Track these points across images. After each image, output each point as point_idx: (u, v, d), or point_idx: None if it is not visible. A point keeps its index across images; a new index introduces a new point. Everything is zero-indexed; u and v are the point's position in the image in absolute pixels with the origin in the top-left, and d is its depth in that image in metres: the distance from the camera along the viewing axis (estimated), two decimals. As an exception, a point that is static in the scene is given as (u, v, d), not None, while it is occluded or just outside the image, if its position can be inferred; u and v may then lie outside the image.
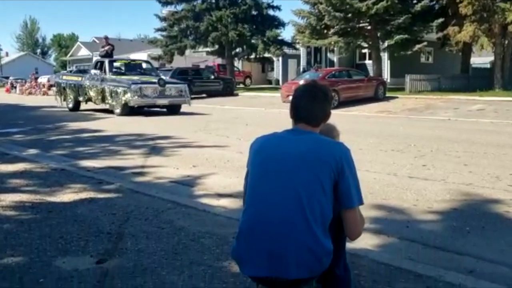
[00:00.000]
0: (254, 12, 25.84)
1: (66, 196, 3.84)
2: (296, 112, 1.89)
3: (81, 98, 13.84)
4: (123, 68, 13.81)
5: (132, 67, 14.22)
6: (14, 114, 14.07)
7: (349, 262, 2.32)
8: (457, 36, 18.73)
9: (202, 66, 27.60)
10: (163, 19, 27.15)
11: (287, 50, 26.83)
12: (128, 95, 11.80)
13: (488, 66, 24.88)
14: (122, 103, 12.00)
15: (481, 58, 25.66)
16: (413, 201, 3.86)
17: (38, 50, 69.72)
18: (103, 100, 12.74)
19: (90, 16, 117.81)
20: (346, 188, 1.77)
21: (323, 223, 1.76)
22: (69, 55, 56.36)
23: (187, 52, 28.26)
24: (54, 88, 15.75)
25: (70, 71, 47.90)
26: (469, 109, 13.78)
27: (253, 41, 25.22)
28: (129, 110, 12.12)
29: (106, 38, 15.28)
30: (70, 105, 14.36)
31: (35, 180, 4.42)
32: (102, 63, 13.59)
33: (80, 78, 13.90)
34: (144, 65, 14.96)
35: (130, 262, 2.47)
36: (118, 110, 12.28)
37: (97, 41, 54.91)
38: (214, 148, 6.79)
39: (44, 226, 3.05)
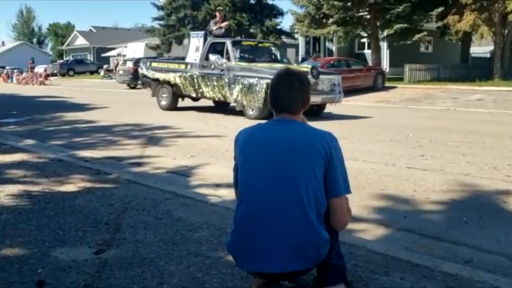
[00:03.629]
0: (252, 1, 25.66)
1: (64, 186, 3.83)
2: (276, 103, 1.87)
3: (188, 94, 10.42)
4: (248, 52, 10.09)
5: (261, 52, 10.47)
6: (10, 104, 14.00)
7: (347, 252, 2.34)
8: (457, 25, 18.64)
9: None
10: (160, 7, 26.96)
11: (285, 39, 26.68)
12: None
13: (488, 55, 24.80)
14: (262, 101, 8.51)
15: (481, 48, 25.56)
16: (411, 191, 3.86)
17: (35, 40, 69.20)
18: (227, 96, 9.41)
19: (86, 5, 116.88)
20: (334, 176, 1.77)
21: (318, 213, 1.76)
22: (65, 44, 55.97)
23: (185, 41, 28.07)
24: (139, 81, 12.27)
25: (67, 61, 46.83)
26: (468, 99, 13.76)
27: (251, 30, 25.07)
28: (268, 111, 8.06)
29: (220, 11, 11.50)
30: (164, 102, 10.83)
31: (32, 171, 4.41)
32: (221, 45, 9.79)
33: (183, 66, 10.32)
34: (272, 49, 11.01)
35: (128, 252, 2.47)
36: (253, 111, 8.90)
37: (94, 30, 54.55)
38: (212, 138, 6.78)
39: (42, 217, 3.05)
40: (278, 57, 10.53)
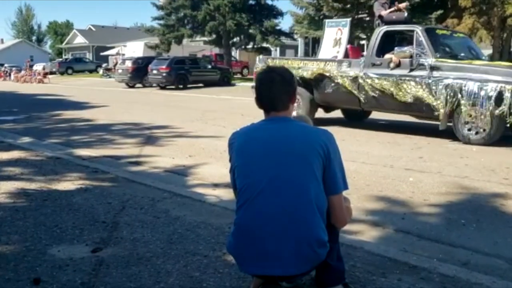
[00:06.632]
0: (252, 1, 25.67)
1: (62, 184, 3.82)
2: (262, 102, 1.83)
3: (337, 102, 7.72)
4: (444, 44, 7.07)
5: (458, 44, 7.41)
6: (8, 102, 13.96)
7: (345, 253, 2.33)
8: (455, 28, 18.68)
9: (199, 55, 27.45)
10: (160, 7, 26.90)
11: (285, 40, 26.71)
12: None
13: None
14: (499, 118, 5.83)
15: (479, 51, 25.62)
16: (409, 193, 3.87)
17: (34, 38, 69.04)
18: (424, 107, 6.54)
19: (86, 3, 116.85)
20: (333, 174, 1.76)
21: (320, 213, 1.75)
22: (65, 43, 55.87)
23: (185, 41, 28.07)
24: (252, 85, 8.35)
25: (66, 59, 46.48)
26: (466, 102, 13.78)
27: (251, 30, 25.06)
28: (500, 134, 6.07)
29: None
30: (300, 111, 7.65)
31: (30, 168, 4.40)
32: (394, 35, 7.35)
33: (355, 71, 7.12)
34: (469, 40, 8.03)
35: (126, 251, 2.46)
36: (475, 134, 6.13)
37: (93, 29, 54.44)
38: (211, 138, 6.77)
39: (39, 215, 3.04)
40: (477, 51, 7.54)
